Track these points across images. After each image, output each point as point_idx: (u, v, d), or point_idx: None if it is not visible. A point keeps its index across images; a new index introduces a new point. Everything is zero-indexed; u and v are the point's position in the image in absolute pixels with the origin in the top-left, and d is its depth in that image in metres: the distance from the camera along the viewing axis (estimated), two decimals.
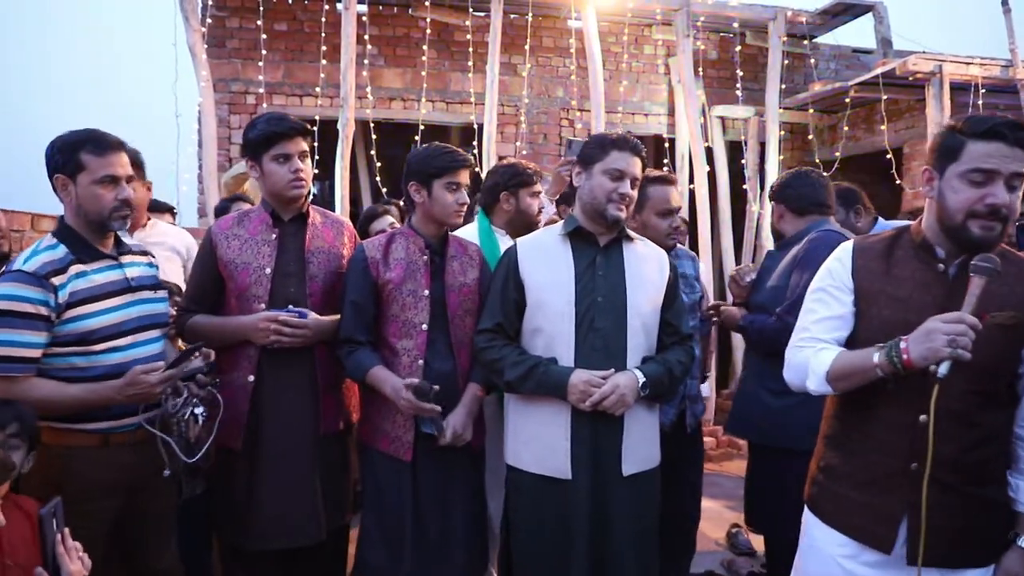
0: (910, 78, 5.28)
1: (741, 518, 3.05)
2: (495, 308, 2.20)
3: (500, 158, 5.56)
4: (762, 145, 6.17)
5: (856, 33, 7.13)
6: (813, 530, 1.78)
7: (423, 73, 5.68)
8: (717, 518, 4.11)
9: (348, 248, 2.42)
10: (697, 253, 5.51)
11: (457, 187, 2.30)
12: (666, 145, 6.18)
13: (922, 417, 1.54)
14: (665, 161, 6.08)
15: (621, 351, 2.10)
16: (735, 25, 6.28)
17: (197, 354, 2.06)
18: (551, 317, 2.12)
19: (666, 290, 2.23)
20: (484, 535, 2.37)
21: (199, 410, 2.03)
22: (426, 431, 2.18)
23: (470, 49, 5.78)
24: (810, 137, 6.46)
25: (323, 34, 5.52)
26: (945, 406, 1.52)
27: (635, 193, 2.18)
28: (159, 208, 3.71)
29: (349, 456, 2.45)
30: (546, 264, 2.17)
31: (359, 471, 2.42)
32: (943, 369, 1.45)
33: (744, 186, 6.28)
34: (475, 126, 5.58)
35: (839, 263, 1.76)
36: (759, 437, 2.68)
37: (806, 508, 1.82)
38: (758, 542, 3.35)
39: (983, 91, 5.36)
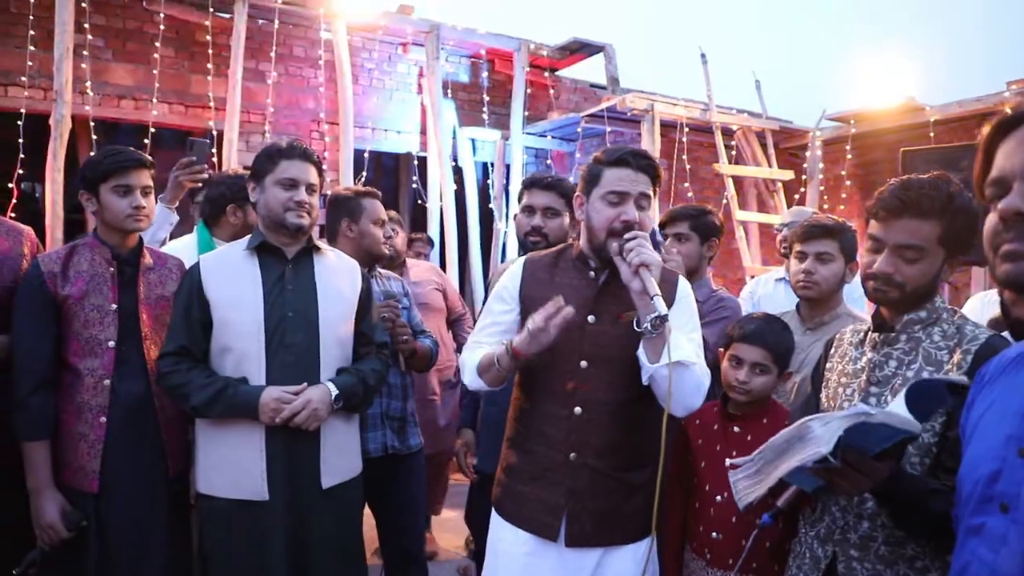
0: (628, 113, 5.94)
1: None
2: (178, 329, 2.08)
3: (246, 168, 5.29)
4: (509, 167, 6.55)
5: (597, 70, 7.87)
6: (497, 531, 1.91)
7: (155, 72, 5.27)
8: (458, 527, 4.25)
9: (28, 260, 2.19)
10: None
11: (128, 190, 2.14)
12: (416, 163, 6.32)
13: (576, 410, 1.77)
14: (414, 178, 6.22)
15: (314, 365, 2.10)
16: (483, 52, 6.62)
17: None
18: (239, 335, 2.06)
19: (359, 301, 2.25)
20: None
21: None
22: None
23: (210, 51, 5.47)
24: (548, 162, 6.97)
25: (32, 17, 4.90)
26: (594, 398, 1.77)
27: (314, 200, 2.15)
28: None
29: None
30: (232, 280, 2.10)
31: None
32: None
33: (490, 205, 6.62)
34: (213, 132, 5.28)
35: (513, 273, 1.96)
36: None
37: (493, 510, 1.95)
38: None
39: (687, 129, 6.18)
